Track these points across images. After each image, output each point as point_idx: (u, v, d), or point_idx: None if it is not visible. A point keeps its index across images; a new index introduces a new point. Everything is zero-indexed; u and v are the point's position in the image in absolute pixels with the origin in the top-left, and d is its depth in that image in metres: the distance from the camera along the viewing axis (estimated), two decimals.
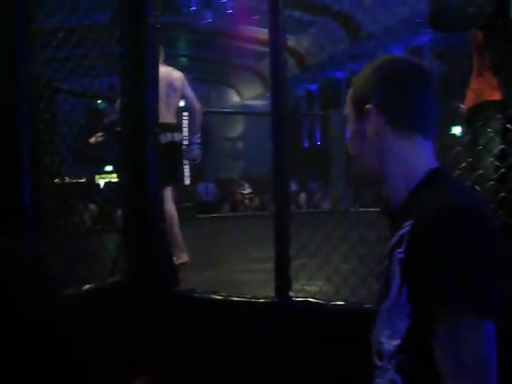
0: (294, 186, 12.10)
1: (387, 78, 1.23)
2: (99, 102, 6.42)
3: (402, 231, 1.14)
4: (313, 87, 19.02)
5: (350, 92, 1.33)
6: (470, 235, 1.03)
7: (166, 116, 4.16)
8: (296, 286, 2.55)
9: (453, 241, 1.02)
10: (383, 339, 1.19)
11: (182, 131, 4.50)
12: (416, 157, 1.22)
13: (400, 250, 1.14)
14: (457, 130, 8.85)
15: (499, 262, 1.05)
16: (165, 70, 4.20)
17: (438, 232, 1.04)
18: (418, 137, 1.22)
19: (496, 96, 2.44)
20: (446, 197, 1.12)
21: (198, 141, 4.62)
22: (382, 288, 1.21)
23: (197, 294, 2.73)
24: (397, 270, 1.13)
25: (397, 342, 1.14)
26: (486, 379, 1.02)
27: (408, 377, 1.12)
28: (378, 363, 1.20)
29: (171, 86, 4.34)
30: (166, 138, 4.17)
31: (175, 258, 3.70)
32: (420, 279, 1.07)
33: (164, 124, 4.05)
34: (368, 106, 1.22)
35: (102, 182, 11.92)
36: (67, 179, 5.04)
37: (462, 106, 4.48)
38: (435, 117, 1.24)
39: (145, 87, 2.92)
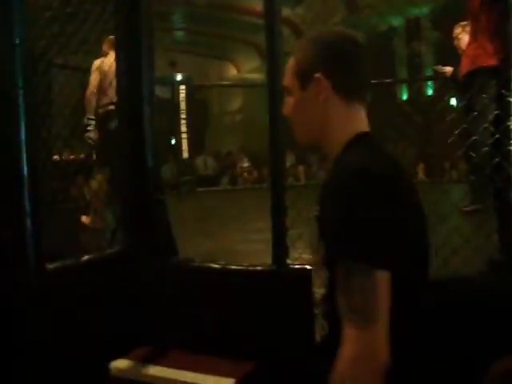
0: (292, 159, 12.10)
1: (331, 49, 1.33)
2: None
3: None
4: None
5: (292, 64, 1.41)
6: (364, 192, 1.11)
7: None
8: (293, 254, 2.59)
9: (347, 196, 1.12)
10: (315, 288, 1.32)
11: None
12: (352, 121, 1.33)
13: (316, 208, 1.30)
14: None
15: (394, 221, 1.12)
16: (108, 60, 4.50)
17: (336, 188, 1.16)
18: (356, 102, 1.34)
19: (491, 61, 2.44)
20: (355, 159, 1.21)
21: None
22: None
23: (195, 264, 2.76)
24: (315, 226, 1.27)
25: (322, 290, 1.26)
26: (373, 324, 1.06)
27: (332, 323, 1.22)
28: (315, 310, 1.34)
29: None
30: (111, 125, 4.42)
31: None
32: (326, 231, 1.19)
33: (112, 111, 4.38)
34: (317, 75, 1.31)
35: None
36: (65, 154, 5.05)
37: (438, 68, 4.44)
38: (368, 84, 1.37)
39: (140, 59, 2.92)
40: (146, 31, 2.95)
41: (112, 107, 4.50)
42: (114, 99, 4.29)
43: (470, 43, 2.59)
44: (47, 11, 3.12)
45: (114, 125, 4.25)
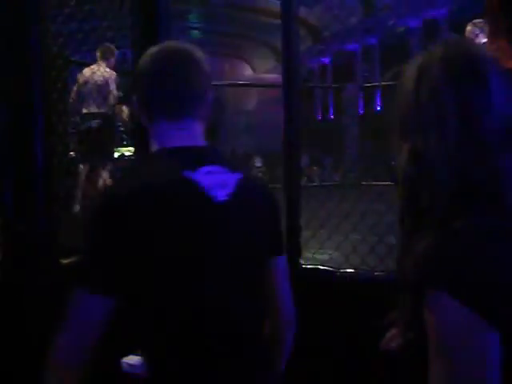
0: (306, 160, 12.10)
1: (139, 67, 1.28)
2: None
3: None
4: (326, 60, 18.88)
5: None
6: (92, 219, 1.14)
7: (91, 106, 4.94)
8: (307, 254, 2.59)
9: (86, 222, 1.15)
10: None
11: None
12: (157, 136, 1.25)
13: None
14: None
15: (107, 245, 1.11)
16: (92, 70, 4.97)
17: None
18: (162, 117, 1.23)
19: (511, 64, 2.42)
20: (117, 180, 1.24)
21: None
22: None
23: None
24: None
25: None
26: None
27: None
28: None
29: (96, 83, 4.98)
30: (84, 125, 4.97)
31: None
32: None
33: (86, 114, 4.95)
34: (134, 98, 1.29)
35: (115, 155, 11.97)
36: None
37: None
38: (182, 100, 1.23)
39: None
40: (163, 30, 2.96)
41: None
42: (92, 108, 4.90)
43: (489, 45, 2.56)
44: (65, 8, 3.14)
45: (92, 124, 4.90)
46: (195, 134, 1.24)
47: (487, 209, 0.83)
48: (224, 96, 17.98)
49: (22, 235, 2.11)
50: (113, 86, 4.98)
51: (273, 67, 17.75)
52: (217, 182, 1.17)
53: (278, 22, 2.63)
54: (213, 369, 1.15)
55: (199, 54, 1.26)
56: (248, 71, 20.46)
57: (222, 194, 1.16)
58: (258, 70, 19.83)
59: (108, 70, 4.98)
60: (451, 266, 0.80)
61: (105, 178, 4.89)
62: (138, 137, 3.06)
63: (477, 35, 3.88)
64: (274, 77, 16.73)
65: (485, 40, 3.56)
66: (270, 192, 1.31)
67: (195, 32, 17.77)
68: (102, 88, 4.92)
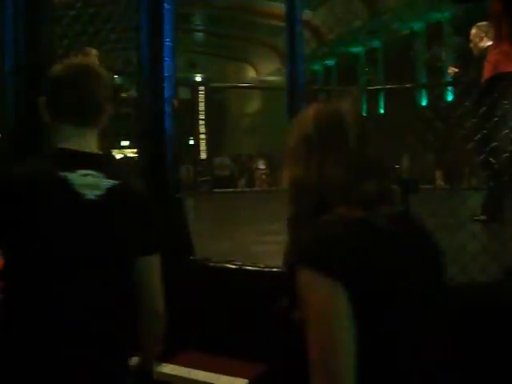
0: None
1: (48, 76, 1.47)
2: (115, 76, 6.45)
3: None
4: (330, 62, 18.88)
5: None
6: None
7: None
8: None
9: None
10: None
11: None
12: (57, 137, 1.42)
13: None
14: None
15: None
16: None
17: None
18: (62, 122, 1.42)
19: None
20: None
21: None
22: None
23: (211, 263, 2.78)
24: None
25: None
26: None
27: None
28: None
29: None
30: None
31: None
32: None
33: None
34: (41, 98, 1.45)
35: (117, 157, 12.00)
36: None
37: (451, 69, 4.49)
38: (82, 108, 1.43)
39: (162, 61, 2.94)
40: (168, 32, 2.97)
41: None
42: None
43: (492, 48, 2.57)
44: (70, 10, 3.16)
45: None
46: (87, 140, 1.43)
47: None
48: (227, 98, 18.01)
49: None
50: None
51: (276, 69, 17.76)
52: (89, 183, 1.35)
53: (283, 24, 2.64)
54: (52, 351, 1.29)
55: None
56: (251, 73, 20.47)
57: (90, 194, 1.34)
58: (262, 73, 19.83)
59: None
60: (315, 247, 1.05)
61: None
62: (140, 137, 3.08)
63: (481, 38, 3.90)
64: (278, 79, 16.75)
65: (489, 43, 3.57)
66: (145, 200, 1.48)
67: (199, 34, 17.79)
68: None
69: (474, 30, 4.17)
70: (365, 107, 14.86)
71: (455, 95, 10.25)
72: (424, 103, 14.23)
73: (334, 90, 17.86)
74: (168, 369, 2.48)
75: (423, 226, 1.25)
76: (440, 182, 10.24)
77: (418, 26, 14.28)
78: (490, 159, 2.39)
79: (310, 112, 1.25)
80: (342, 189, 1.13)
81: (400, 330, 1.07)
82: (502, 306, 2.12)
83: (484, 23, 3.99)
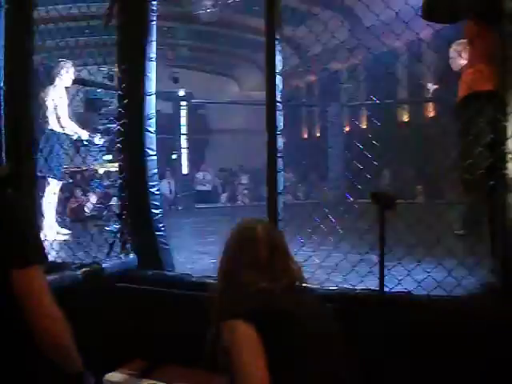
0: (292, 177, 12.14)
1: None
2: (98, 90, 6.44)
3: None
4: (312, 78, 19.01)
5: None
6: None
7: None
8: None
9: None
10: None
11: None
12: None
13: None
14: None
15: None
16: None
17: None
18: None
19: (488, 86, 2.48)
20: None
21: None
22: None
23: (193, 279, 2.78)
24: None
25: None
26: None
27: None
28: None
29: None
30: None
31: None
32: None
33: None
34: None
35: (101, 171, 11.93)
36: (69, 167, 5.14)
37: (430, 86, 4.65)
38: None
39: (143, 76, 2.96)
40: (150, 46, 2.99)
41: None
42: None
43: (467, 68, 2.63)
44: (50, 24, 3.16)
45: None
46: None
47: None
48: (210, 113, 18.00)
49: None
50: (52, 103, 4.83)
51: (259, 84, 17.83)
52: None
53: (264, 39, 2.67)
54: None
55: None
56: (235, 88, 20.53)
57: None
58: (245, 87, 19.91)
59: (58, 88, 4.85)
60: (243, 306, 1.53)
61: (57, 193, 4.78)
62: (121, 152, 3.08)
63: (459, 55, 4.05)
64: (261, 94, 16.80)
65: (465, 62, 3.71)
66: (16, 212, 1.51)
67: (182, 49, 17.83)
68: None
69: (452, 48, 4.31)
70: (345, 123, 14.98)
71: (435, 111, 10.39)
72: (405, 119, 14.38)
73: (314, 106, 18.02)
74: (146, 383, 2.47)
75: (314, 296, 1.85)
76: (420, 197, 10.32)
77: (396, 43, 14.48)
78: (466, 176, 2.43)
79: (234, 228, 1.78)
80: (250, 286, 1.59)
81: (299, 352, 1.49)
82: (477, 318, 2.15)
83: (463, 41, 4.10)
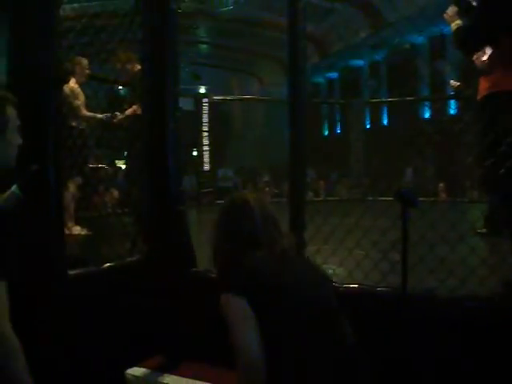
0: (313, 174, 12.11)
1: None
2: (120, 87, 6.47)
3: None
4: (333, 75, 18.94)
5: None
6: None
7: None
8: None
9: None
10: None
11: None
12: None
13: None
14: None
15: None
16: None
17: None
18: None
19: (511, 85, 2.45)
20: None
21: None
22: None
23: (213, 275, 2.79)
24: None
25: None
26: None
27: None
28: None
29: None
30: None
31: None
32: None
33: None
34: None
35: (122, 167, 12.02)
36: (88, 163, 5.11)
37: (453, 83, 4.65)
38: None
39: (166, 73, 2.98)
40: (172, 44, 3.01)
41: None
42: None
43: (491, 66, 2.59)
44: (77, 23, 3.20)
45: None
46: None
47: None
48: (231, 110, 18.05)
49: (32, 247, 2.14)
50: (75, 100, 4.80)
51: (281, 82, 17.80)
52: None
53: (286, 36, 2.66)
54: None
55: None
56: (256, 85, 20.53)
57: None
58: (266, 85, 19.89)
59: (72, 84, 4.81)
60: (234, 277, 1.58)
61: (72, 190, 4.71)
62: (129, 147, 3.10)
63: (484, 52, 4.07)
64: (282, 91, 16.78)
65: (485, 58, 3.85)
66: None
67: (203, 46, 17.88)
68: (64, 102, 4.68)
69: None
70: (368, 120, 14.90)
71: (457, 109, 10.28)
72: (427, 116, 14.26)
73: (336, 103, 17.95)
74: (168, 379, 2.49)
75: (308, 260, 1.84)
76: (443, 195, 10.22)
77: (420, 39, 14.34)
78: (489, 173, 2.40)
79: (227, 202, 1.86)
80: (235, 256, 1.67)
81: (288, 325, 1.49)
82: (501, 318, 2.13)
83: None
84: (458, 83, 4.92)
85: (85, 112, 4.79)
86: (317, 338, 1.52)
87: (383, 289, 2.40)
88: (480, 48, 2.58)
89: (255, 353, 1.45)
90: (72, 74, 4.76)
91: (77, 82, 4.81)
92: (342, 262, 2.75)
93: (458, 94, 5.11)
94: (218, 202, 9.73)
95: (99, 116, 4.80)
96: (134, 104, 4.47)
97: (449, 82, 5.25)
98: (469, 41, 2.57)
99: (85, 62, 4.84)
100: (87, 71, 4.89)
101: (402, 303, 2.16)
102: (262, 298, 1.51)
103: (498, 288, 2.35)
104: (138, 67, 4.74)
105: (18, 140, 1.94)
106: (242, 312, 1.50)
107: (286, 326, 1.50)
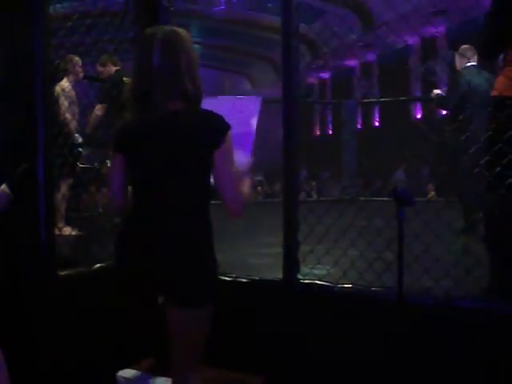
0: (305, 174, 12.12)
1: None
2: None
3: None
4: (325, 75, 18.97)
5: None
6: None
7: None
8: (304, 269, 2.58)
9: None
10: None
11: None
12: None
13: None
14: None
15: None
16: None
17: None
18: None
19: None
20: None
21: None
22: None
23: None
24: None
25: None
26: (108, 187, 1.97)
27: None
28: None
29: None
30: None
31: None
32: None
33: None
34: None
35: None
36: (79, 164, 5.06)
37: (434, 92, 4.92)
38: None
39: None
40: None
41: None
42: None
43: (508, 64, 2.53)
44: (67, 22, 3.16)
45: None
46: None
47: None
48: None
49: (22, 247, 2.11)
50: (62, 101, 4.70)
51: (272, 82, 17.82)
52: None
53: (278, 37, 2.64)
54: None
55: None
56: (247, 86, 20.54)
57: None
58: (257, 85, 19.90)
59: (62, 83, 4.74)
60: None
61: (63, 191, 4.65)
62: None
63: (462, 56, 4.69)
64: (273, 92, 16.80)
65: (470, 63, 4.56)
66: None
67: (195, 46, 17.85)
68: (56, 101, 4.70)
69: (459, 51, 4.73)
70: (360, 120, 14.91)
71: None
72: (418, 116, 14.30)
73: (328, 103, 17.98)
74: (160, 381, 2.46)
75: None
76: (433, 195, 10.24)
77: (412, 40, 14.39)
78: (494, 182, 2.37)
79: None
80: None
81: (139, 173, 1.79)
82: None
83: (467, 46, 4.67)
84: (438, 91, 5.13)
85: (67, 115, 4.71)
86: (152, 189, 1.77)
87: (377, 289, 2.38)
88: (501, 51, 2.55)
89: (116, 188, 1.85)
90: (65, 72, 4.72)
91: (69, 81, 4.77)
92: (337, 261, 2.73)
93: (439, 103, 5.31)
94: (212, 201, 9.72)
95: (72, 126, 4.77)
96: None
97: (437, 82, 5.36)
98: (489, 45, 2.55)
99: (78, 60, 4.80)
100: (80, 70, 4.85)
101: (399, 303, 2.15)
102: (130, 152, 1.77)
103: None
104: (114, 69, 4.85)
105: None
106: (116, 162, 1.83)
107: (138, 174, 1.79)
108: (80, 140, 4.84)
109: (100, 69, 4.97)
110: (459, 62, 4.75)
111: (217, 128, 1.73)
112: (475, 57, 4.53)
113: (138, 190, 1.80)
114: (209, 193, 1.82)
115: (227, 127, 1.74)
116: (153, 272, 1.74)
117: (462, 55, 4.65)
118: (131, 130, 1.79)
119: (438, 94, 5.08)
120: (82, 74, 4.89)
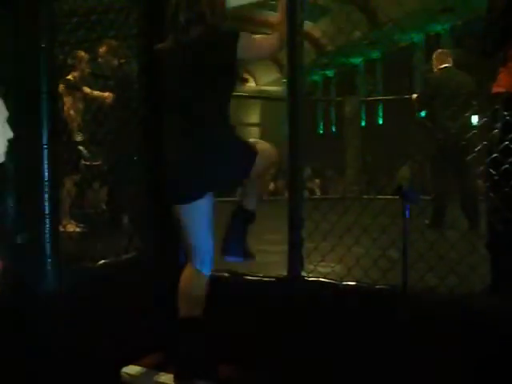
0: (308, 172, 12.10)
1: None
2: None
3: None
4: (329, 73, 18.95)
5: None
6: None
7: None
8: (309, 266, 2.58)
9: None
10: None
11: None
12: None
13: None
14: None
15: None
16: None
17: None
18: None
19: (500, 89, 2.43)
20: None
21: None
22: None
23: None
24: None
25: None
26: None
27: None
28: None
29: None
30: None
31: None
32: None
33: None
34: None
35: None
36: (83, 161, 5.05)
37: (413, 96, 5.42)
38: None
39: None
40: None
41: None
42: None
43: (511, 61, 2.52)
44: (73, 18, 3.16)
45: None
46: None
47: None
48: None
49: (24, 246, 2.11)
50: (66, 98, 4.74)
51: (275, 80, 17.80)
52: None
53: None
54: None
55: None
56: (251, 83, 20.50)
57: None
58: (261, 83, 19.87)
59: (70, 78, 4.76)
60: None
61: (68, 187, 4.65)
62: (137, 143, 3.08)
63: (438, 60, 5.22)
64: (277, 89, 16.78)
65: (446, 65, 5.10)
66: None
67: None
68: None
69: (435, 55, 5.30)
70: (364, 118, 14.89)
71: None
72: (423, 114, 14.25)
73: (332, 101, 17.95)
74: (164, 378, 2.47)
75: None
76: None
77: (417, 37, 14.35)
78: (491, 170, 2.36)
79: None
80: None
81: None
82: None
83: (445, 50, 5.43)
84: (416, 95, 5.77)
85: (71, 112, 4.71)
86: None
87: (382, 286, 2.38)
88: (499, 49, 2.54)
89: None
90: (72, 68, 4.71)
91: (75, 77, 4.76)
92: (341, 259, 2.72)
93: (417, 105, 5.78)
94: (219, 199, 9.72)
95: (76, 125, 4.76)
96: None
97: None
98: (487, 44, 2.54)
99: (84, 56, 4.78)
100: (86, 66, 4.83)
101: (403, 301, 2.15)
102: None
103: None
104: (116, 61, 4.79)
105: (8, 133, 1.75)
106: None
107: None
108: (79, 138, 4.84)
109: (101, 61, 4.89)
110: (435, 65, 5.27)
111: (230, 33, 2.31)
112: (449, 59, 5.15)
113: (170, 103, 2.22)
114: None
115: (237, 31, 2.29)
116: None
117: (438, 58, 5.23)
118: (162, 51, 2.28)
119: (416, 97, 5.70)
120: (87, 70, 4.87)
